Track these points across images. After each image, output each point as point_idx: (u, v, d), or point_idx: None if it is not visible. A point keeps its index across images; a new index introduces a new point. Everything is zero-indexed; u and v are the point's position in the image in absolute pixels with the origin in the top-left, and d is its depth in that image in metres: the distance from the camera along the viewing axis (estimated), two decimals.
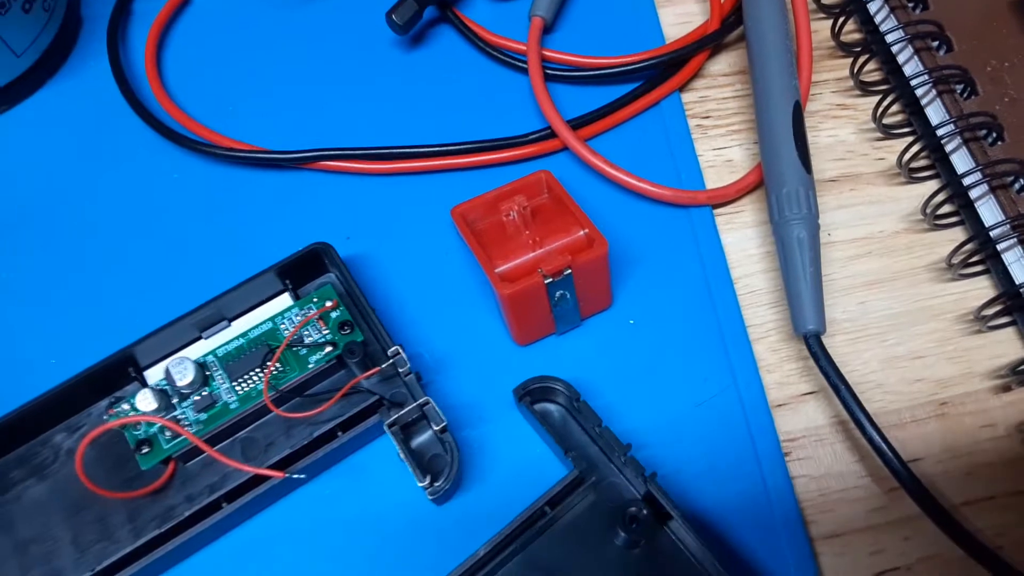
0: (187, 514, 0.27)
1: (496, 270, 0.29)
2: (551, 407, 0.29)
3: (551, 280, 0.28)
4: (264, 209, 0.34)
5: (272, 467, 0.28)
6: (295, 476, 0.27)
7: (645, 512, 0.26)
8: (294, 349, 0.29)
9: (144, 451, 0.28)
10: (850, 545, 0.28)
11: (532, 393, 0.29)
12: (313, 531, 0.28)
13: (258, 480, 0.28)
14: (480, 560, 0.26)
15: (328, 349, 0.29)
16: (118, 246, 0.34)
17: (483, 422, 0.30)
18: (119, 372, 0.29)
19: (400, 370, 0.28)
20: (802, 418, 0.30)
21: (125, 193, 0.35)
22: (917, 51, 0.34)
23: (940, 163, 0.34)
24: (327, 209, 0.34)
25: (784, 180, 0.31)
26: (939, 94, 0.33)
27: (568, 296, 0.29)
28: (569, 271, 0.28)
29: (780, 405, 0.30)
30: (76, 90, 0.37)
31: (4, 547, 0.28)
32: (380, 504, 0.29)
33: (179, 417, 0.28)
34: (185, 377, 0.28)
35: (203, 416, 0.28)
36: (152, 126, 0.35)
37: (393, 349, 0.28)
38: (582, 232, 0.30)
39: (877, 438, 0.27)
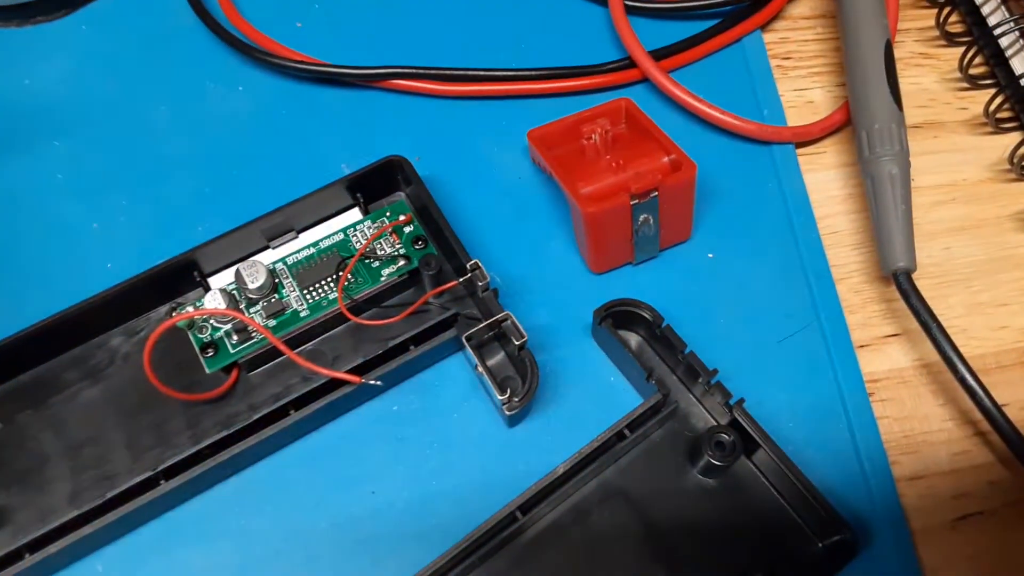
0: (255, 418, 0.26)
1: (580, 191, 0.28)
2: (628, 335, 0.28)
3: (637, 201, 0.27)
4: (331, 126, 0.33)
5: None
6: (372, 382, 0.26)
7: (732, 439, 0.26)
8: (367, 261, 0.28)
9: (209, 354, 0.27)
10: (933, 487, 0.27)
11: (614, 316, 0.28)
12: (380, 445, 0.27)
13: (324, 392, 0.27)
14: (560, 478, 0.25)
15: (402, 263, 0.28)
16: (180, 155, 0.32)
17: (555, 347, 0.29)
18: (183, 275, 0.28)
19: (479, 284, 0.27)
20: (885, 359, 0.29)
21: (188, 102, 0.33)
22: (1003, 0, 0.34)
23: None
24: (396, 129, 0.33)
25: (876, 117, 0.30)
26: None
27: (651, 221, 0.28)
28: (655, 193, 0.28)
29: (863, 346, 0.29)
30: None
31: (56, 447, 0.27)
32: (448, 423, 0.28)
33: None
34: (256, 280, 0.27)
35: (272, 323, 0.27)
36: (219, 36, 0.34)
37: (472, 263, 0.27)
38: (666, 158, 0.29)
39: (969, 378, 0.27)
